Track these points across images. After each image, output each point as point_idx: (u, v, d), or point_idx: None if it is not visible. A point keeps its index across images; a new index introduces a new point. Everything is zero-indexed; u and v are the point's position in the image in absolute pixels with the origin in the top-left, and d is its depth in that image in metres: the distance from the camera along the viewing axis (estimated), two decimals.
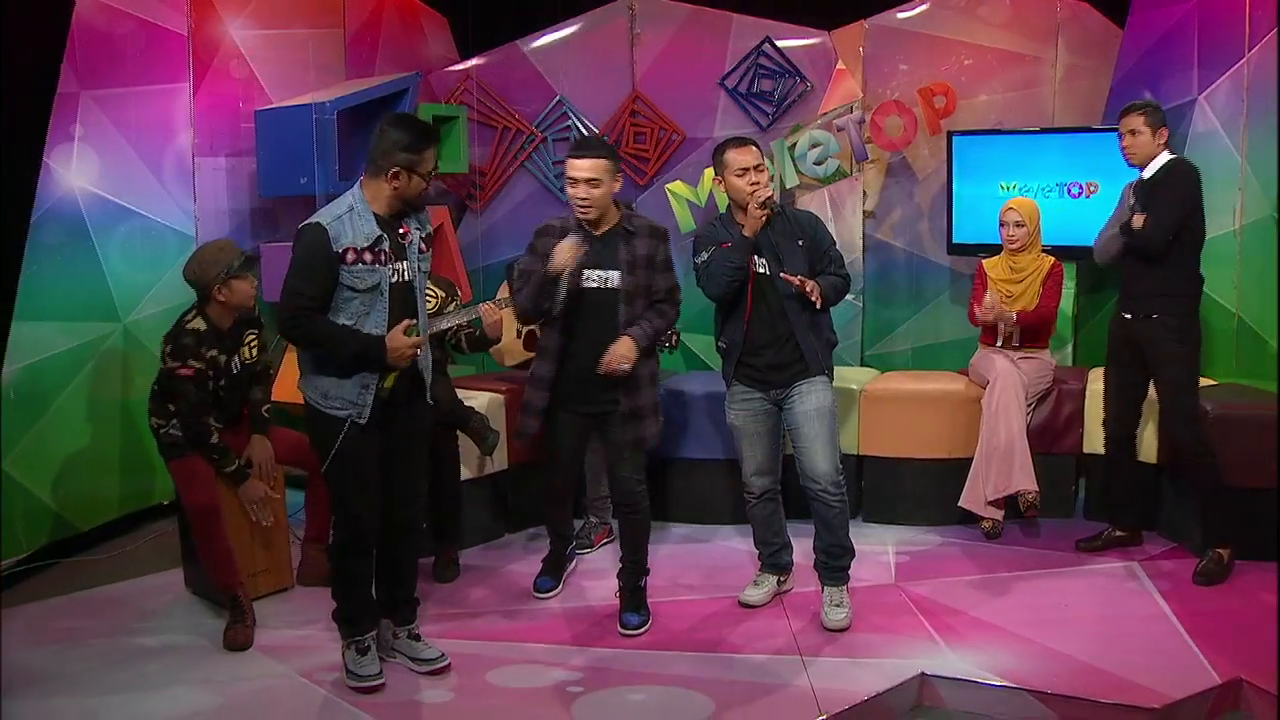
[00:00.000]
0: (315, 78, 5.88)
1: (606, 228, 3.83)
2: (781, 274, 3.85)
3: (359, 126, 5.61)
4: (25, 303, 4.53)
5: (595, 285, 3.80)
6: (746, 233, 3.84)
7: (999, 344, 5.00)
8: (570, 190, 3.78)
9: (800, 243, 3.93)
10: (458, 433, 4.59)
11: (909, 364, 6.13)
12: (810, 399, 3.91)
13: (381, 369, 3.31)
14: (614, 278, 3.79)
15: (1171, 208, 4.28)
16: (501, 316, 4.21)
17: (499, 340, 4.47)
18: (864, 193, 6.20)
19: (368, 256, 3.25)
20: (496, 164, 6.50)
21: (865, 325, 6.32)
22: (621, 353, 3.74)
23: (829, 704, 3.30)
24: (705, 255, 3.95)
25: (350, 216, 3.26)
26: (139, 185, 5.06)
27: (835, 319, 5.79)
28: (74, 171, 4.75)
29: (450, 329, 4.31)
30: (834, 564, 3.94)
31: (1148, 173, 4.38)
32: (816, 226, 4.01)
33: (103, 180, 4.88)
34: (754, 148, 3.91)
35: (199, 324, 3.96)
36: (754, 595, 4.16)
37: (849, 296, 5.84)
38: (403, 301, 3.36)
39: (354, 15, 6.11)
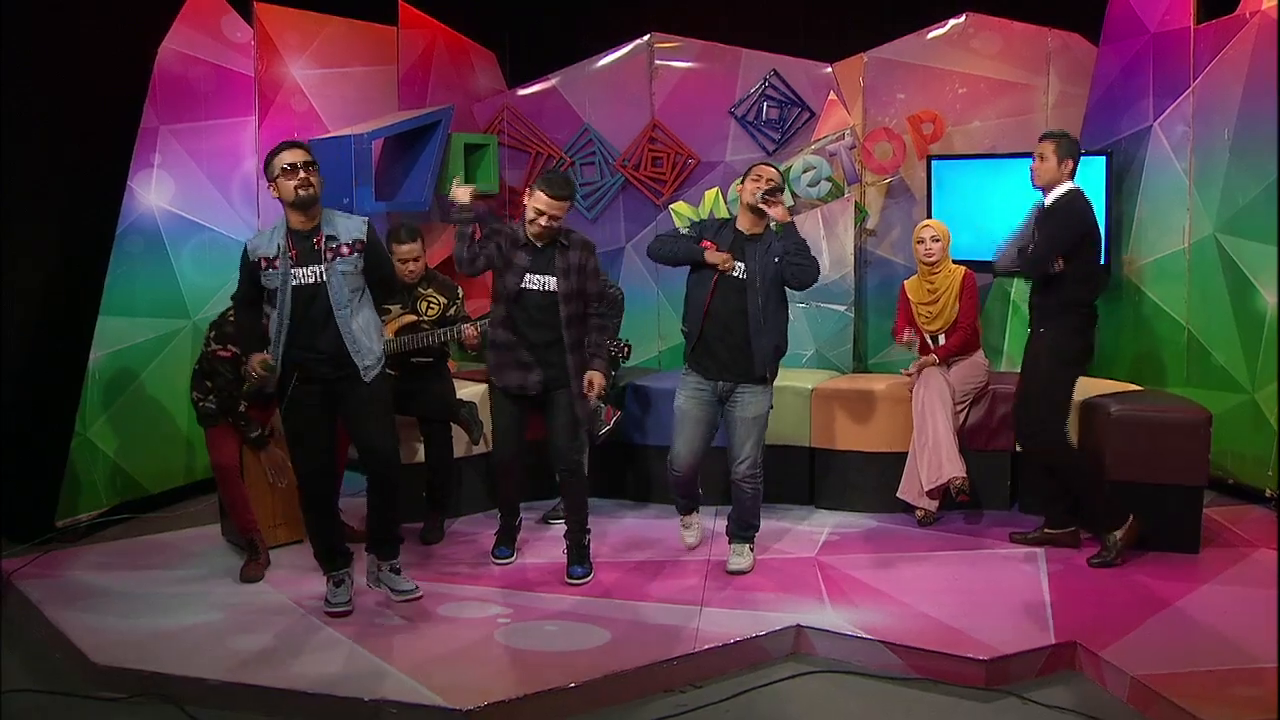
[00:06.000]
0: (370, 110, 6.59)
1: (546, 241, 4.52)
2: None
3: (402, 153, 6.44)
4: (110, 300, 5.44)
5: (535, 289, 4.48)
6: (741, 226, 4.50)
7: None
8: (537, 218, 4.44)
9: (777, 260, 4.40)
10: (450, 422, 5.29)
11: None
12: (750, 407, 4.47)
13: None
14: (551, 283, 4.48)
15: (1052, 240, 4.56)
16: (479, 339, 4.96)
17: (477, 351, 5.19)
18: (863, 212, 6.63)
19: (278, 263, 4.04)
20: (529, 185, 7.20)
21: (866, 335, 6.77)
22: (599, 383, 4.50)
23: (706, 643, 3.89)
24: (685, 232, 4.58)
25: (272, 233, 4.10)
26: (208, 204, 5.93)
27: (826, 329, 6.44)
28: (153, 193, 5.65)
29: (435, 338, 5.02)
30: (741, 531, 4.58)
31: (1049, 200, 4.66)
32: (786, 240, 4.45)
33: (177, 199, 5.76)
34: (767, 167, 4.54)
35: None
36: (690, 537, 4.81)
37: (840, 307, 6.47)
38: (310, 299, 4.04)
39: (407, 53, 6.80)
